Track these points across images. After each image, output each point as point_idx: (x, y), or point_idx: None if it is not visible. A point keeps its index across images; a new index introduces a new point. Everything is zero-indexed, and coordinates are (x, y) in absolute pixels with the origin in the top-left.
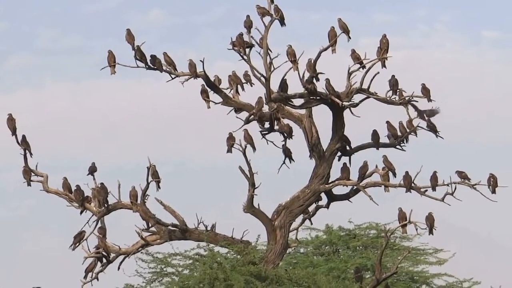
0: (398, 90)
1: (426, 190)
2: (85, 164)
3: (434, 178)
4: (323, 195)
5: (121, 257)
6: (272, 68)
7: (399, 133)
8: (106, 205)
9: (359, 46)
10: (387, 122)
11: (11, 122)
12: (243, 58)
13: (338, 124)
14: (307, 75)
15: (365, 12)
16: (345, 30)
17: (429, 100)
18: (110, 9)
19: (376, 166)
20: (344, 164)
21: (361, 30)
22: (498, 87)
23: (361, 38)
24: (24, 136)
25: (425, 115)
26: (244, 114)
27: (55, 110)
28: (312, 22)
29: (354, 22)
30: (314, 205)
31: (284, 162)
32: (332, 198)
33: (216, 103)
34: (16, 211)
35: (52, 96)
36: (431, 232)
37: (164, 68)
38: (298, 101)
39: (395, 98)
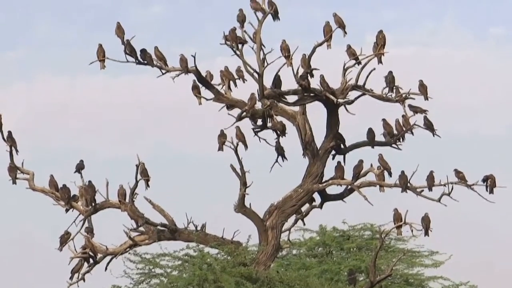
0: (394, 87)
1: (423, 190)
2: (76, 156)
3: (430, 178)
4: (316, 195)
5: (109, 257)
6: (266, 64)
7: (395, 131)
8: (93, 204)
9: (366, 43)
10: (383, 119)
11: None
12: (236, 53)
13: (332, 121)
14: (301, 71)
15: (371, 8)
16: (341, 25)
17: (426, 98)
18: (109, 2)
19: (371, 165)
20: (338, 162)
21: (367, 27)
22: (504, 84)
23: (367, 35)
24: (10, 133)
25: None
26: (236, 111)
27: (49, 103)
28: (314, 18)
29: (361, 19)
30: (307, 205)
31: (276, 161)
32: (325, 198)
33: (207, 100)
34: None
35: (46, 89)
36: (426, 233)
37: (154, 63)
38: (291, 98)
39: (391, 95)
